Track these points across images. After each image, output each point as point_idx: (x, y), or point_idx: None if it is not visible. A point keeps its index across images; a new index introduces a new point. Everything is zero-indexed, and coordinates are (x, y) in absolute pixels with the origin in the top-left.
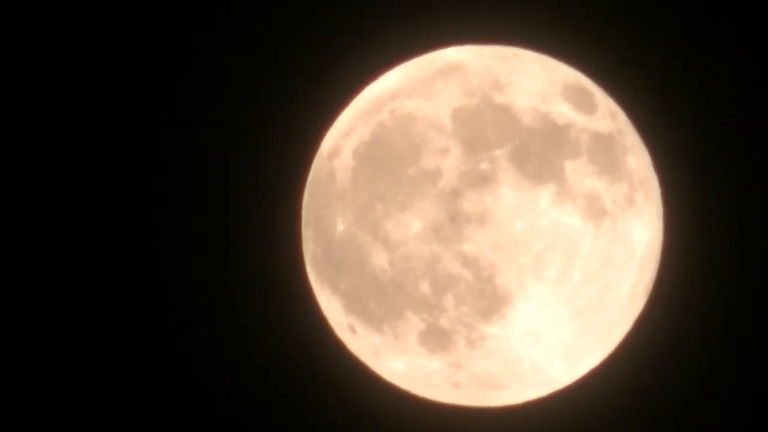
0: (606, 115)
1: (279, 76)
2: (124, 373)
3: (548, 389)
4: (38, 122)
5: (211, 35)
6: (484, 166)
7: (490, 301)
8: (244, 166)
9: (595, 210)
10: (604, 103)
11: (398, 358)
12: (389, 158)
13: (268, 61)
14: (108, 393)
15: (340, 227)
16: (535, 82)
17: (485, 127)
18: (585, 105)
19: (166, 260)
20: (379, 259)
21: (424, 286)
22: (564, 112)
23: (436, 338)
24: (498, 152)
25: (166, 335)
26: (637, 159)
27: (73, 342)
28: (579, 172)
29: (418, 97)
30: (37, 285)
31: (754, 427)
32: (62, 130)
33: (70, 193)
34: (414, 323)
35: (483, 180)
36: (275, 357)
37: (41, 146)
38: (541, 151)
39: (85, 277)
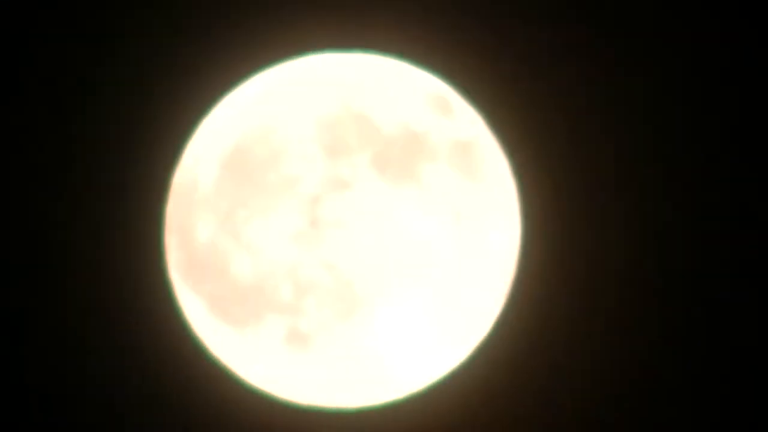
0: (466, 122)
1: (140, 84)
2: None
3: (407, 390)
4: None
5: (72, 35)
6: (344, 172)
7: (351, 304)
8: (107, 175)
9: (453, 215)
10: (463, 109)
11: (260, 362)
12: (251, 165)
13: (131, 68)
14: None
15: (203, 233)
16: (394, 89)
17: (346, 133)
18: (444, 111)
19: (23, 268)
20: (241, 265)
21: (286, 291)
22: (423, 118)
23: (298, 341)
24: (358, 158)
25: (20, 345)
26: (496, 165)
27: None
28: (438, 177)
29: (280, 104)
30: None
31: (606, 426)
32: None
33: None
34: (276, 327)
35: (343, 185)
36: (139, 364)
37: None
38: (401, 157)
39: None
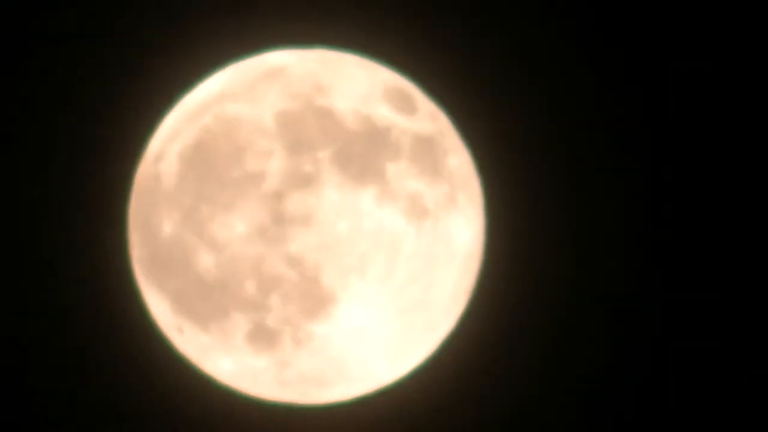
0: (427, 117)
1: (102, 78)
2: None
3: (373, 386)
4: None
5: (36, 30)
6: (307, 168)
7: (316, 300)
8: (69, 170)
9: (417, 210)
10: (425, 105)
11: (226, 358)
12: (214, 161)
13: (92, 62)
14: None
15: (167, 229)
16: (356, 84)
17: (308, 129)
18: (406, 107)
19: None
20: (205, 261)
21: (250, 287)
22: (385, 114)
23: (263, 337)
24: (321, 154)
25: None
26: (458, 160)
27: None
28: (401, 173)
29: (242, 101)
30: None
31: (575, 422)
32: None
33: None
34: (241, 323)
35: (306, 182)
36: (104, 360)
37: None
38: (363, 153)
39: None
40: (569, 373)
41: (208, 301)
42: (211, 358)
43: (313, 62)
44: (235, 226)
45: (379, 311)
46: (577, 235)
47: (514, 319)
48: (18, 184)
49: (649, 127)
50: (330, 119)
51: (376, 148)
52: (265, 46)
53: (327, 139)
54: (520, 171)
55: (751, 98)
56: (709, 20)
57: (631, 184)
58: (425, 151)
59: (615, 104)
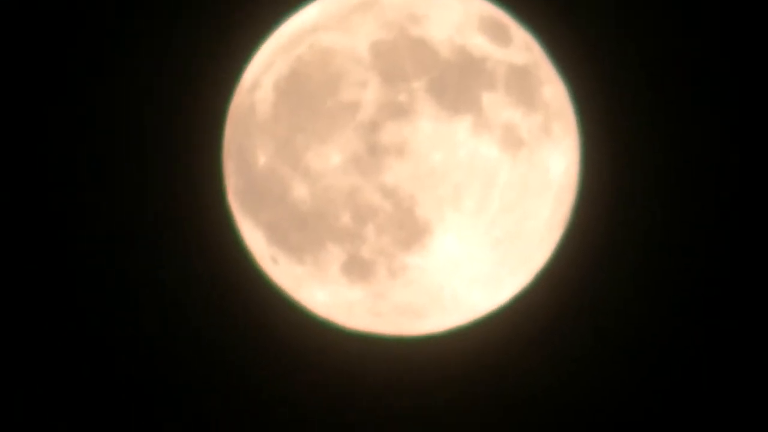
0: (522, 47)
1: (199, 11)
2: (39, 313)
3: (468, 317)
4: None
5: None
6: (402, 98)
7: (410, 231)
8: (166, 102)
9: (511, 140)
10: (520, 35)
11: (320, 289)
12: (308, 91)
13: None
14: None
15: (261, 159)
16: (451, 14)
17: (403, 59)
18: (501, 37)
19: (88, 197)
20: (300, 191)
21: (345, 217)
22: (480, 44)
23: (357, 268)
24: (416, 84)
25: (87, 274)
26: (554, 90)
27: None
28: (495, 103)
29: (336, 31)
30: None
31: (667, 360)
32: None
33: None
34: (335, 254)
35: (401, 112)
36: (199, 288)
37: None
38: (458, 83)
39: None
40: (662, 308)
41: (302, 232)
42: (305, 289)
43: None
44: (330, 156)
45: (474, 242)
46: (672, 168)
47: (608, 252)
48: (114, 115)
49: (753, 70)
50: (424, 49)
51: (470, 78)
52: None
53: (421, 69)
54: (615, 102)
55: None
56: None
57: (729, 123)
58: (520, 81)
59: (718, 38)
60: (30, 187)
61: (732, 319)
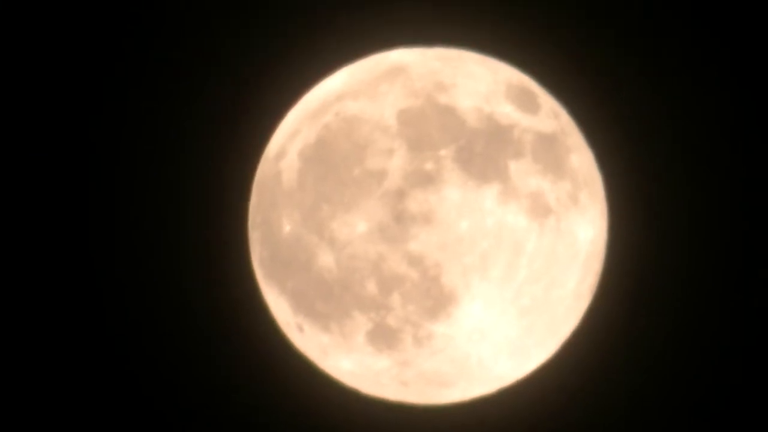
0: (549, 115)
1: (226, 77)
2: (69, 372)
3: (495, 386)
4: None
5: (157, 36)
6: (429, 165)
7: (436, 299)
8: (192, 169)
9: (539, 209)
10: (547, 103)
11: (346, 357)
12: (334, 159)
13: (215, 62)
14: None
15: (287, 228)
16: (478, 83)
17: (430, 127)
18: (528, 105)
19: (118, 263)
20: (326, 259)
21: (371, 286)
22: (507, 112)
23: (384, 337)
24: (443, 152)
25: (115, 337)
26: (581, 158)
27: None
28: (523, 171)
29: (363, 98)
30: None
31: (698, 424)
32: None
33: (20, 196)
34: (361, 322)
35: (428, 180)
36: (225, 357)
37: None
38: (485, 151)
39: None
40: (693, 377)
41: (328, 301)
42: (331, 358)
43: (434, 60)
44: (356, 224)
45: (501, 311)
46: (700, 235)
47: (636, 320)
48: (142, 182)
49: None
50: (451, 117)
51: (498, 146)
52: (387, 45)
53: (449, 137)
54: (642, 169)
55: None
56: None
57: (756, 184)
58: (547, 149)
59: (740, 102)
60: (58, 265)
61: (764, 388)
